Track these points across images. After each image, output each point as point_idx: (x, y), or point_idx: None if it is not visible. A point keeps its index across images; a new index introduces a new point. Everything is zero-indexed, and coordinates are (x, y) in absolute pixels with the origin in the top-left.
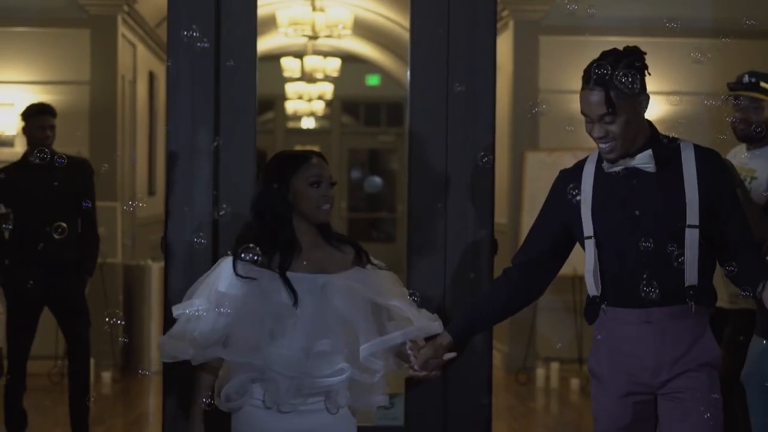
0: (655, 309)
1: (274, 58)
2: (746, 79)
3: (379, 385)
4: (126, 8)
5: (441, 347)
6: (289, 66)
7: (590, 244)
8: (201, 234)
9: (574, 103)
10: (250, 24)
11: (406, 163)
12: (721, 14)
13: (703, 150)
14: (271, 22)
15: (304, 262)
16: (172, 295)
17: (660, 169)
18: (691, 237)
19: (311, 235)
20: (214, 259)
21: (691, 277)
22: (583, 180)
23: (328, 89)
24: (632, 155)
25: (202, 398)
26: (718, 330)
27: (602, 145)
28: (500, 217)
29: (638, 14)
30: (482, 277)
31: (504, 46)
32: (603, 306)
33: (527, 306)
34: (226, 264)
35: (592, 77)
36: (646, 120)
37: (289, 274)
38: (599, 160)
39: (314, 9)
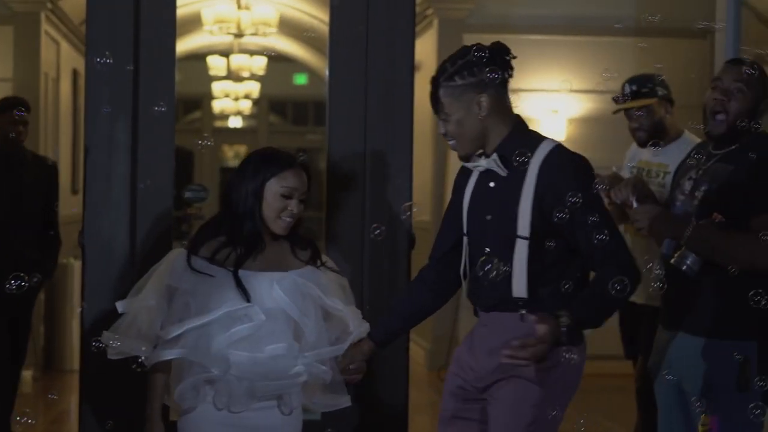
0: (491, 314)
1: (200, 57)
2: (627, 89)
3: (341, 386)
4: (49, 5)
5: (363, 353)
6: (215, 64)
7: (465, 241)
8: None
9: None
10: (169, 15)
11: (326, 161)
12: (643, 13)
13: (555, 154)
14: (197, 21)
15: (260, 260)
16: (89, 292)
17: (510, 171)
18: (520, 248)
19: (272, 234)
20: (132, 255)
21: (519, 289)
22: (470, 177)
23: (254, 88)
24: (489, 155)
25: (159, 399)
26: (636, 327)
27: (448, 143)
28: (424, 215)
29: (560, 13)
30: (399, 271)
31: (428, 44)
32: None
33: (446, 302)
34: (178, 257)
35: (432, 79)
36: (516, 117)
37: (242, 272)
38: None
39: (239, 7)
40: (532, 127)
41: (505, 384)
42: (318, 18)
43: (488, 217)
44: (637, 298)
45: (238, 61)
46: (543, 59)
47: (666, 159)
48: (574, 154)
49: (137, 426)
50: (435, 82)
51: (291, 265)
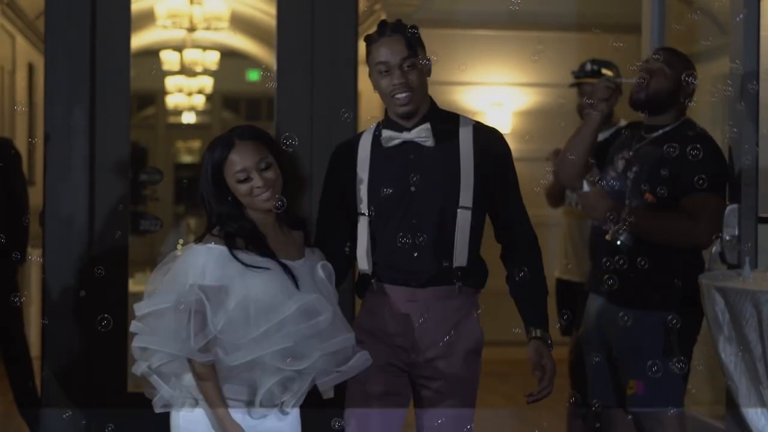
0: (420, 289)
1: (153, 53)
2: (588, 66)
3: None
4: (5, 0)
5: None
6: (169, 59)
7: (363, 221)
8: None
9: (446, 94)
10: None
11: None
12: (583, 9)
13: (483, 128)
14: (150, 16)
15: (278, 247)
16: (50, 277)
17: (438, 144)
18: (463, 218)
19: (268, 221)
20: (90, 237)
21: (460, 258)
22: (359, 155)
23: (207, 83)
24: (410, 129)
25: (224, 403)
26: (573, 303)
27: (400, 95)
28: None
29: (504, 9)
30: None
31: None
32: (373, 281)
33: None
34: (201, 254)
35: (387, 27)
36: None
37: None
38: (376, 134)
39: (192, 2)
40: (480, 119)
41: (455, 359)
42: (269, 13)
43: (412, 189)
44: (572, 276)
45: (191, 55)
46: (488, 53)
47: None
48: (496, 129)
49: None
50: (402, 28)
51: (296, 252)
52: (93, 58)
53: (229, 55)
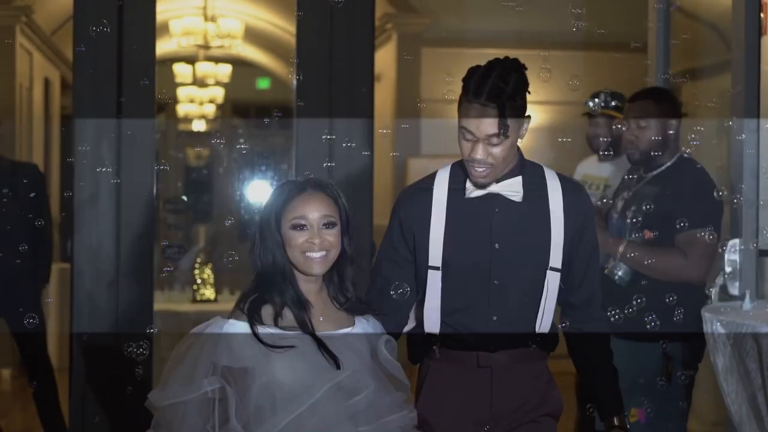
0: (495, 353)
1: (166, 62)
2: (602, 97)
3: None
4: (24, 18)
5: None
6: (181, 72)
7: (435, 275)
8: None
9: (455, 113)
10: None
11: (293, 166)
12: (589, 27)
13: (569, 182)
14: (164, 29)
15: (321, 318)
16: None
17: (525, 198)
18: (553, 281)
19: (311, 288)
20: (118, 262)
21: (545, 324)
22: (434, 200)
23: (219, 93)
24: (498, 180)
25: None
26: None
27: (479, 169)
28: (383, 219)
29: (512, 27)
30: (362, 276)
31: (388, 56)
32: (435, 348)
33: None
34: (229, 331)
35: (485, 90)
36: None
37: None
38: (453, 180)
39: (206, 19)
40: None
41: (535, 425)
42: (280, 26)
43: (496, 246)
44: None
45: (203, 68)
46: None
47: (607, 173)
48: (580, 184)
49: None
50: (498, 102)
51: (347, 317)
52: (120, 82)
53: (239, 64)
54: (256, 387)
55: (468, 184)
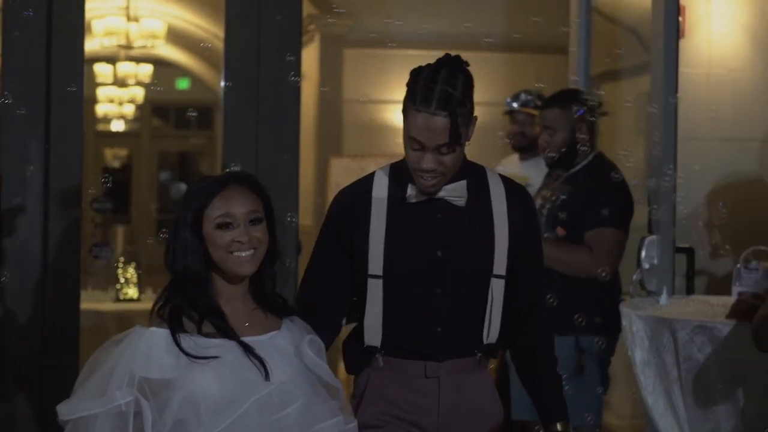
0: (438, 363)
1: (87, 62)
2: (523, 96)
3: None
4: None
5: None
6: (102, 72)
7: (376, 284)
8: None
9: (378, 113)
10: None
11: (220, 166)
12: (512, 30)
13: (512, 185)
14: (86, 29)
15: (246, 324)
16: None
17: (468, 202)
18: (498, 289)
19: (237, 293)
20: (45, 261)
21: (492, 334)
22: (373, 205)
23: (139, 93)
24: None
25: None
26: None
27: (426, 180)
28: (306, 218)
29: (435, 29)
30: (289, 276)
31: (311, 57)
32: (378, 356)
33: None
34: (151, 340)
35: (433, 97)
36: None
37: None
38: (394, 183)
39: (128, 19)
40: None
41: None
42: (201, 26)
43: (439, 253)
44: None
45: (124, 68)
46: None
47: (528, 172)
48: (523, 187)
49: None
50: (449, 110)
51: (273, 321)
52: (48, 94)
53: (160, 64)
54: (177, 400)
55: (410, 189)
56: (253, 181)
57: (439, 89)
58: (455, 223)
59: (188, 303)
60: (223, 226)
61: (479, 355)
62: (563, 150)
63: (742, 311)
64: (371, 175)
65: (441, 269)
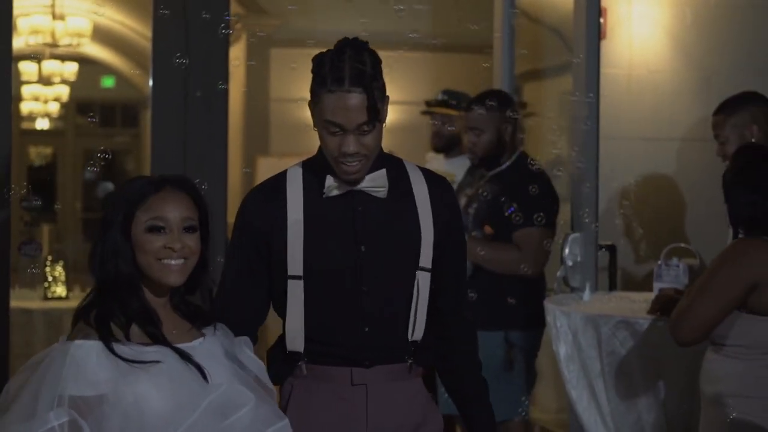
0: (366, 369)
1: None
2: (440, 97)
3: None
4: None
5: None
6: (27, 70)
7: (297, 286)
8: None
9: (304, 111)
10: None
11: (150, 165)
12: (438, 30)
13: (433, 176)
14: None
15: (174, 332)
16: None
17: (389, 194)
18: (423, 282)
19: (159, 302)
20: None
21: (418, 331)
22: (288, 202)
23: (64, 91)
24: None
25: None
26: None
27: (350, 164)
28: (231, 217)
29: (362, 28)
30: (216, 270)
31: (237, 57)
32: (301, 363)
33: None
34: (70, 355)
35: (345, 74)
36: None
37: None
38: (308, 179)
39: (54, 17)
40: None
41: None
42: (127, 25)
43: (363, 248)
44: None
45: (50, 67)
46: None
47: (453, 169)
48: (445, 178)
49: None
50: (363, 85)
51: (193, 330)
52: None
53: (85, 63)
54: (118, 415)
55: (328, 182)
56: (191, 187)
57: (349, 66)
58: (377, 215)
59: (120, 309)
60: (153, 229)
61: (410, 361)
62: (489, 150)
63: (662, 304)
64: (283, 173)
65: (365, 265)
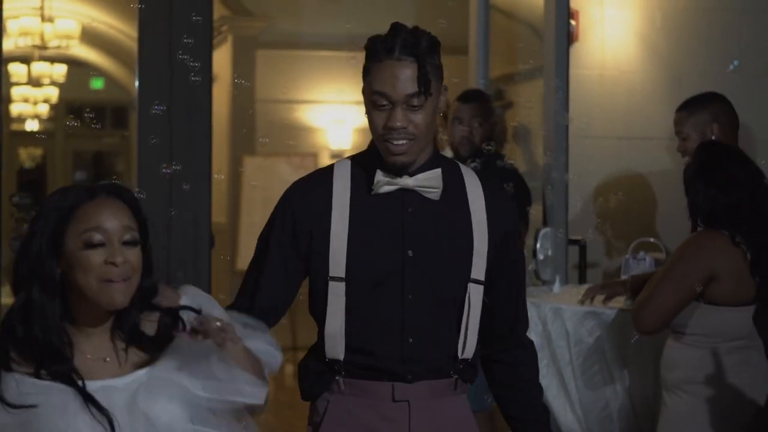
0: (408, 384)
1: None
2: None
3: None
4: None
5: None
6: (16, 71)
7: (338, 288)
8: None
9: (290, 112)
10: None
11: (136, 166)
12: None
13: (491, 185)
14: None
15: (107, 359)
16: None
17: (443, 197)
18: (476, 295)
19: (98, 331)
20: None
21: (468, 348)
22: (334, 199)
23: (53, 93)
24: (412, 173)
25: None
26: None
27: (397, 142)
28: (220, 216)
29: (344, 31)
30: (202, 270)
31: (223, 58)
32: (339, 378)
33: None
34: None
35: (396, 44)
36: None
37: (91, 384)
38: (356, 175)
39: (43, 19)
40: (322, 136)
41: None
42: (115, 27)
43: (410, 253)
44: None
45: (39, 68)
46: (329, 73)
47: None
48: (503, 186)
49: None
50: (415, 55)
51: (139, 353)
52: None
53: (75, 64)
54: None
55: (377, 178)
56: (129, 196)
57: (402, 37)
58: (428, 218)
59: (24, 338)
60: (90, 244)
61: (455, 377)
62: (463, 146)
63: (640, 284)
64: (330, 167)
65: (411, 271)
